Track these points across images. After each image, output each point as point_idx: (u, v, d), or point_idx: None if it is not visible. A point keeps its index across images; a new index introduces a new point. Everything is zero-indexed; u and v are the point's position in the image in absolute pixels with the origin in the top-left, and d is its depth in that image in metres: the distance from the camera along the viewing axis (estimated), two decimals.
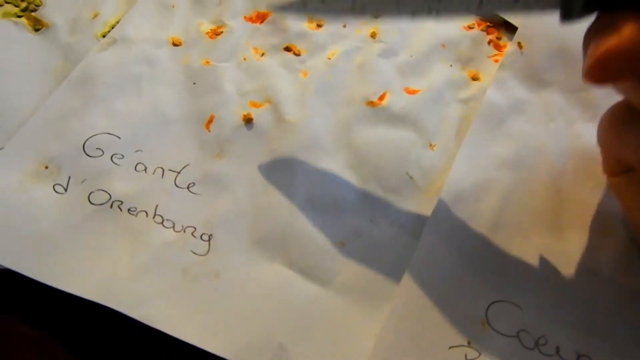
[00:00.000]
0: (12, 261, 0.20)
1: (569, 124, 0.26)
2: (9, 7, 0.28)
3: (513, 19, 0.30)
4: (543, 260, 0.23)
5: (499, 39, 0.30)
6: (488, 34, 0.30)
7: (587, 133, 0.26)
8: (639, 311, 0.22)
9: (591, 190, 0.25)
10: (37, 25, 0.27)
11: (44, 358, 0.20)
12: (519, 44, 0.28)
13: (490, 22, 0.30)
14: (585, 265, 0.23)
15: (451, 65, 0.28)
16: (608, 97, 0.27)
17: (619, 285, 0.22)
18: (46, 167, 0.22)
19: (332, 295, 0.21)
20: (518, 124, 0.26)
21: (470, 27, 0.30)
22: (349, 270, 0.21)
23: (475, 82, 0.28)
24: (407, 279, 0.21)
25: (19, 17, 0.27)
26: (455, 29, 0.29)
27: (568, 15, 0.17)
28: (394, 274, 0.21)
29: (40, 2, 0.28)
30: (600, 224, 0.24)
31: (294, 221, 0.22)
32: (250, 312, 0.20)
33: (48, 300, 0.20)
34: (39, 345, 0.20)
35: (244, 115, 0.25)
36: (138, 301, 0.20)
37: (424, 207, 0.23)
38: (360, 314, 0.20)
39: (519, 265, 0.22)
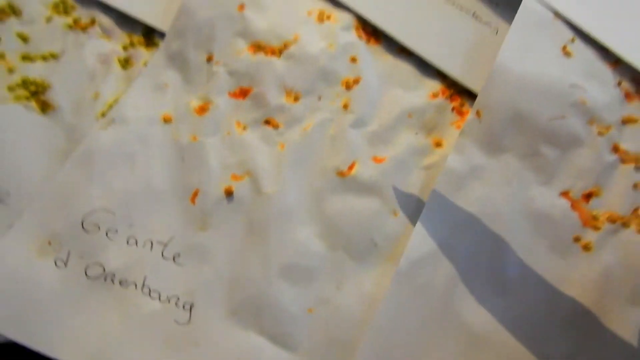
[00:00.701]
0: (15, 332, 0.23)
1: (523, 188, 0.29)
2: (20, 92, 0.31)
3: (474, 87, 0.32)
4: (495, 323, 0.25)
5: (461, 105, 0.32)
6: (452, 101, 0.32)
7: (540, 197, 0.29)
8: None
9: (543, 253, 0.27)
10: (45, 108, 0.31)
11: None
12: (477, 112, 0.31)
13: (453, 90, 0.33)
14: (531, 317, 0.25)
15: (416, 133, 0.31)
16: (561, 161, 0.30)
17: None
18: (49, 243, 0.25)
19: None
20: (476, 189, 0.29)
21: (435, 96, 0.33)
22: (316, 335, 0.24)
23: (438, 149, 0.30)
24: (365, 346, 0.24)
25: (29, 100, 0.31)
26: (421, 97, 0.32)
27: None
28: (357, 336, 0.24)
29: (48, 85, 0.31)
30: (548, 286, 0.26)
31: (267, 290, 0.25)
32: None
33: None
34: None
35: (226, 188, 0.28)
36: None
37: (387, 273, 0.26)
38: None
39: (474, 328, 0.25)
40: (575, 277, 0.26)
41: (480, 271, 0.26)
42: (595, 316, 0.25)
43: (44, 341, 0.23)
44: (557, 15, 0.35)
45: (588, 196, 0.29)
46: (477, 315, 0.25)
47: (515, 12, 0.35)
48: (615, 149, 0.30)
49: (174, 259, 0.26)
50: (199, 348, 0.23)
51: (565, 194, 0.29)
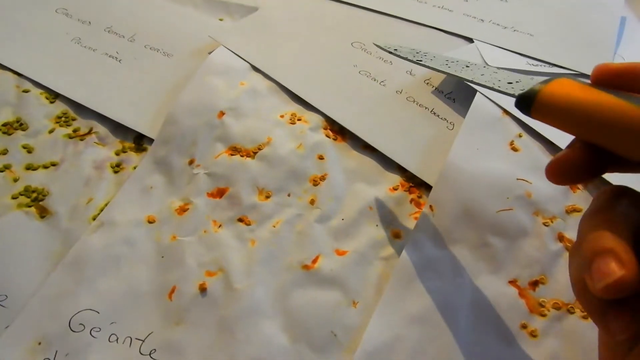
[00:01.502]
0: None
1: (473, 278, 0.31)
2: (22, 199, 0.35)
3: (430, 180, 0.35)
4: None
5: (419, 197, 0.35)
6: (410, 193, 0.36)
7: (489, 285, 0.31)
8: None
9: (491, 341, 0.29)
10: (43, 214, 0.34)
11: None
12: (430, 207, 0.34)
13: (412, 183, 0.36)
14: None
15: (377, 225, 0.34)
16: (509, 251, 0.32)
17: None
18: (39, 344, 0.28)
19: None
20: (428, 281, 0.31)
21: (395, 189, 0.36)
22: None
23: (397, 240, 0.33)
24: None
25: (29, 207, 0.35)
26: (381, 191, 0.35)
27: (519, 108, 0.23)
28: None
29: (47, 192, 0.35)
30: None
31: None
32: None
33: None
34: None
35: (200, 284, 0.31)
36: None
37: None
38: None
39: None
40: None
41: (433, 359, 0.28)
42: None
43: None
44: (505, 112, 0.39)
45: (534, 284, 0.31)
46: None
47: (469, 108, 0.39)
48: (560, 238, 0.33)
49: (150, 354, 0.28)
50: None
51: (513, 282, 0.31)
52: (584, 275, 0.19)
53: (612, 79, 0.21)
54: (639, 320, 0.19)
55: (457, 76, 0.28)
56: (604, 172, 0.22)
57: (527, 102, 0.22)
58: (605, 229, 0.20)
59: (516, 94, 0.23)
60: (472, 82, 0.27)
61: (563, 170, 0.22)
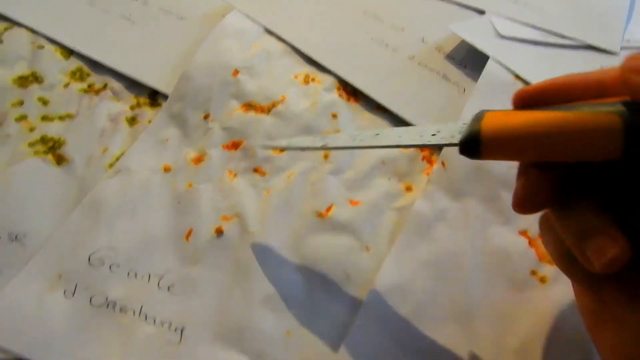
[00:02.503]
0: (30, 352, 0.26)
1: (483, 228, 0.32)
2: (39, 147, 0.35)
3: None
4: (453, 345, 0.27)
5: (431, 155, 0.36)
6: (422, 151, 0.36)
7: (499, 236, 0.32)
8: None
9: (500, 287, 0.30)
10: (60, 161, 0.35)
11: None
12: (442, 163, 0.34)
13: None
14: (491, 348, 0.27)
15: (389, 179, 0.34)
16: None
17: None
18: (60, 277, 0.29)
19: None
20: (440, 230, 0.32)
21: (406, 149, 0.36)
22: (292, 355, 0.27)
23: (409, 193, 0.34)
24: (339, 357, 0.26)
25: (46, 154, 0.35)
26: (394, 149, 0.36)
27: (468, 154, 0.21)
28: (330, 357, 0.27)
29: (63, 141, 0.36)
30: (506, 316, 0.29)
31: (250, 316, 0.28)
32: None
33: None
34: None
35: (216, 228, 0.31)
36: None
37: (358, 302, 0.29)
38: None
39: (434, 350, 0.27)
40: (529, 308, 0.29)
41: (444, 302, 0.29)
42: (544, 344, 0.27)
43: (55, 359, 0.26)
44: (517, 77, 0.40)
45: None
46: (437, 339, 0.27)
47: (481, 74, 0.40)
48: None
49: (168, 289, 0.29)
50: None
51: (523, 232, 0.32)
52: (577, 253, 0.20)
53: (532, 100, 0.22)
54: (633, 284, 0.20)
55: (372, 146, 0.25)
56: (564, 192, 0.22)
57: (474, 145, 0.20)
58: (587, 207, 0.20)
59: (456, 141, 0.21)
60: (393, 146, 0.25)
61: (529, 203, 0.21)
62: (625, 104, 0.19)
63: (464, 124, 0.22)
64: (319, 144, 0.27)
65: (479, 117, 0.21)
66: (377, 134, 0.26)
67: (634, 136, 0.18)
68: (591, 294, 0.24)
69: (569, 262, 0.22)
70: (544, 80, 0.22)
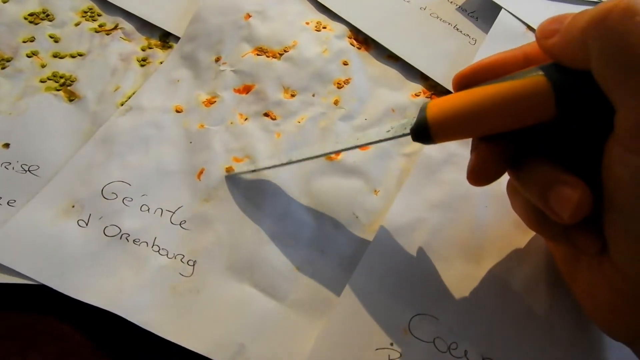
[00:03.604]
0: (44, 277, 0.26)
1: None
2: (50, 83, 0.35)
3: (451, 87, 0.36)
4: (461, 283, 0.28)
5: None
6: (432, 99, 0.36)
7: (506, 181, 0.32)
8: (539, 322, 0.27)
9: (508, 227, 0.30)
10: (72, 97, 0.35)
11: (66, 349, 0.26)
12: None
13: (434, 91, 0.37)
14: (497, 286, 0.28)
15: None
16: None
17: (524, 302, 0.28)
18: (73, 207, 0.29)
19: (285, 308, 0.27)
20: (449, 173, 0.32)
21: (417, 95, 0.37)
22: (300, 289, 0.27)
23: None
24: (345, 295, 0.27)
25: (58, 90, 0.35)
26: (404, 96, 0.36)
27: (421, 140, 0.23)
28: (336, 293, 0.27)
29: (75, 78, 0.36)
30: (513, 255, 0.30)
31: (260, 251, 0.28)
32: (221, 319, 0.26)
33: (71, 306, 0.27)
34: (64, 340, 0.26)
35: (227, 168, 0.32)
36: (138, 310, 0.26)
37: (366, 241, 0.29)
38: (306, 322, 0.26)
39: (440, 286, 0.28)
40: (535, 248, 0.29)
41: (452, 241, 0.29)
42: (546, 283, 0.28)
43: (69, 285, 0.26)
44: (529, 28, 0.40)
45: None
46: (445, 276, 0.28)
47: (492, 27, 0.40)
48: None
49: (180, 224, 0.29)
50: (199, 295, 0.27)
51: None
52: (544, 208, 0.21)
53: (468, 81, 0.23)
54: (601, 233, 0.21)
55: (332, 152, 0.27)
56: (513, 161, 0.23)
57: (424, 131, 0.22)
58: (542, 164, 0.22)
59: (408, 131, 0.24)
60: (351, 148, 0.27)
61: (481, 176, 0.23)
62: (549, 66, 0.20)
63: (414, 118, 0.24)
64: (284, 161, 0.29)
65: (423, 108, 0.23)
66: (337, 142, 0.27)
67: (563, 93, 0.19)
68: (563, 247, 0.26)
69: (539, 221, 0.23)
70: (476, 62, 0.24)
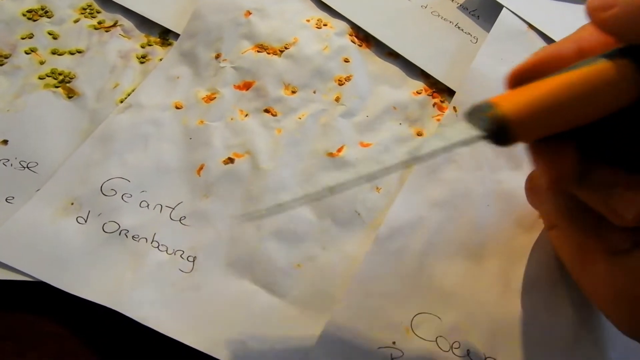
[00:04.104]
0: (44, 275, 0.26)
1: (494, 172, 0.32)
2: (49, 80, 0.35)
3: (453, 86, 0.36)
4: (462, 281, 0.28)
5: (442, 102, 0.36)
6: (433, 97, 0.36)
7: (509, 180, 0.32)
8: (541, 321, 0.27)
9: (509, 226, 0.30)
10: (70, 94, 0.34)
11: (65, 348, 0.26)
12: (454, 108, 0.34)
13: (435, 89, 0.37)
14: (499, 285, 0.28)
15: (400, 124, 0.34)
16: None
17: (526, 301, 0.27)
18: (72, 204, 0.29)
19: (286, 305, 0.26)
20: (450, 171, 0.32)
21: (418, 93, 0.36)
22: (302, 286, 0.27)
23: (419, 137, 0.34)
24: (347, 293, 0.27)
25: (57, 87, 0.35)
26: (404, 94, 0.36)
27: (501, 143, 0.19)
28: (338, 290, 0.27)
29: (74, 75, 0.35)
30: (515, 253, 0.29)
31: (261, 248, 0.28)
32: (221, 316, 0.26)
33: (70, 305, 0.26)
34: (63, 339, 0.26)
35: (225, 160, 0.31)
36: (137, 306, 0.26)
37: (368, 238, 0.29)
38: (307, 318, 0.26)
39: (442, 285, 0.28)
40: (536, 248, 0.29)
41: (454, 240, 0.29)
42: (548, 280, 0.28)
43: (68, 282, 0.26)
44: (531, 26, 0.39)
45: None
46: (446, 275, 0.28)
47: (493, 25, 0.39)
48: None
49: (180, 220, 0.29)
50: (199, 291, 0.26)
51: None
52: (603, 210, 0.21)
53: (529, 75, 0.21)
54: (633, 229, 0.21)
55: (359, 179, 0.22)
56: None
57: (504, 132, 0.19)
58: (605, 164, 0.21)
59: (483, 133, 0.19)
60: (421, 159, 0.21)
61: (564, 181, 0.21)
62: (623, 49, 0.19)
63: (480, 120, 0.20)
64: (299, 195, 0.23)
65: (488, 106, 0.19)
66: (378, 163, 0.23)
67: None
68: (574, 244, 0.25)
69: (572, 217, 0.23)
70: (531, 56, 0.21)
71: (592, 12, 0.19)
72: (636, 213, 0.20)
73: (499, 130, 0.19)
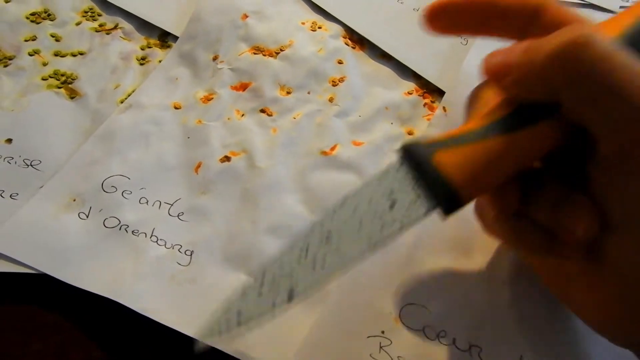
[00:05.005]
0: (47, 267, 0.27)
1: None
2: (52, 81, 0.36)
3: (444, 87, 0.37)
4: (450, 274, 0.29)
5: (432, 102, 0.37)
6: (424, 98, 0.37)
7: None
8: (524, 311, 0.28)
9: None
10: (73, 95, 0.36)
11: (68, 339, 0.27)
12: (444, 108, 0.35)
13: (426, 90, 0.38)
14: (484, 277, 0.29)
15: (392, 123, 0.36)
16: None
17: (510, 293, 0.28)
18: (74, 200, 0.30)
19: None
20: None
21: (409, 93, 0.37)
22: None
23: (410, 136, 0.35)
24: (338, 285, 0.28)
25: (59, 88, 0.36)
26: (397, 94, 0.37)
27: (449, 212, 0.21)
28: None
29: (76, 76, 0.37)
30: (500, 247, 0.30)
31: (256, 243, 0.29)
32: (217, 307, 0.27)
33: (73, 297, 0.27)
34: (65, 330, 0.27)
35: (222, 158, 0.32)
36: (137, 298, 0.27)
37: None
38: (300, 310, 0.27)
39: (430, 278, 0.29)
40: None
41: (444, 234, 0.30)
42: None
43: (71, 274, 0.27)
44: None
45: None
46: (435, 268, 0.29)
47: None
48: None
49: (178, 216, 0.30)
50: (197, 284, 0.27)
51: None
52: (554, 226, 0.21)
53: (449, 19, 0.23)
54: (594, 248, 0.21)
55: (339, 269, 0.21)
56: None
57: (452, 199, 0.20)
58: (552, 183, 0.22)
59: (433, 207, 0.20)
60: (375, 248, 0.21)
61: (508, 214, 0.22)
62: (535, 105, 0.20)
63: (399, 165, 0.21)
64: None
65: (423, 156, 0.20)
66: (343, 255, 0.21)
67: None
68: (551, 266, 0.25)
69: (524, 238, 0.23)
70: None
71: (491, 77, 0.21)
72: (584, 228, 0.20)
73: (448, 203, 0.20)
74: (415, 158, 0.20)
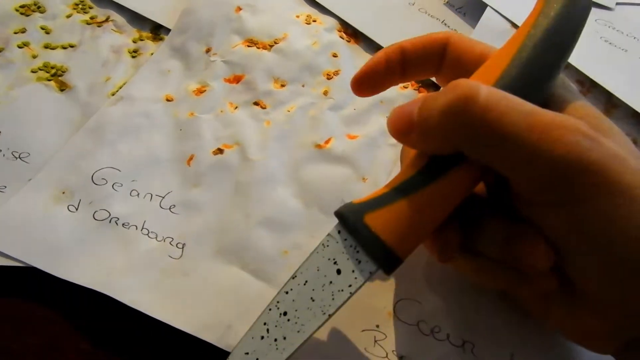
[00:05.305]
0: (36, 260, 0.27)
1: None
2: (41, 73, 0.36)
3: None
4: (443, 271, 0.29)
5: None
6: (419, 92, 0.37)
7: None
8: (516, 308, 0.27)
9: None
10: (62, 87, 0.35)
11: (63, 332, 0.26)
12: None
13: (421, 84, 0.37)
14: None
15: (386, 117, 0.35)
16: None
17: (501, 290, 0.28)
18: (63, 193, 0.29)
19: (273, 290, 0.27)
20: None
21: (405, 87, 0.37)
22: (289, 272, 0.28)
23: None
24: None
25: (49, 80, 0.35)
26: (393, 89, 0.37)
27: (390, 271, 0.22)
28: None
29: (66, 69, 0.36)
30: None
31: (249, 236, 0.29)
32: (209, 300, 0.26)
33: (65, 290, 0.27)
34: (60, 323, 0.27)
35: (214, 150, 0.32)
36: (128, 291, 0.26)
37: None
38: None
39: (424, 274, 0.28)
40: None
41: None
42: None
43: (60, 268, 0.26)
44: (514, 25, 0.40)
45: None
46: (429, 264, 0.29)
47: (478, 22, 0.40)
48: None
49: (170, 209, 0.29)
50: (188, 277, 0.27)
51: None
52: (513, 261, 0.22)
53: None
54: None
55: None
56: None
57: (390, 259, 0.21)
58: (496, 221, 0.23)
59: (374, 268, 0.21)
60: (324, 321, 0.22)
61: (452, 254, 0.23)
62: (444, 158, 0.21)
63: (338, 230, 0.22)
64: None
65: (356, 220, 0.21)
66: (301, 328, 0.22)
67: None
68: (528, 294, 0.25)
69: (495, 277, 0.24)
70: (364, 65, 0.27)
71: (397, 137, 0.22)
72: (543, 259, 0.20)
73: (388, 263, 0.21)
74: (349, 223, 0.21)
